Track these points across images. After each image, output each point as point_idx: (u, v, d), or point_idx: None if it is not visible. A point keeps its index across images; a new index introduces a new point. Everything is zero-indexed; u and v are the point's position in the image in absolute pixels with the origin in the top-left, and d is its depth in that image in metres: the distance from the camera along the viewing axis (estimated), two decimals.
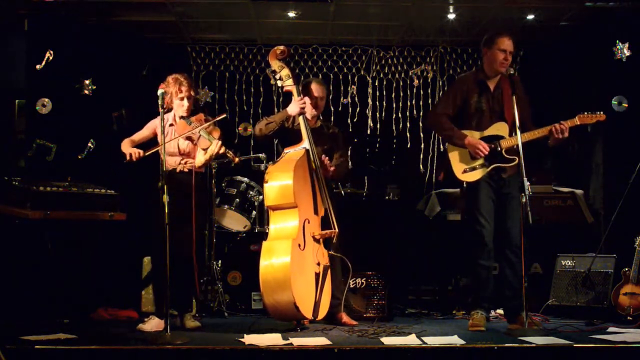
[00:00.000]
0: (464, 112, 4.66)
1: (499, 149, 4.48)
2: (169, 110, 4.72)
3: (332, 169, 4.88)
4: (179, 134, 4.65)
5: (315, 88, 4.98)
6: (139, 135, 4.76)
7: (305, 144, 4.78)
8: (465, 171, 4.58)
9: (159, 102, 4.43)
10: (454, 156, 4.64)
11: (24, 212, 4.80)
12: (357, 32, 6.63)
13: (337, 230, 4.74)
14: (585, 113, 4.40)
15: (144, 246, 5.37)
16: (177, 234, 4.34)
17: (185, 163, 4.67)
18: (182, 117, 4.67)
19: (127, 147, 4.64)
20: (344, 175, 5.24)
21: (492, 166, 4.50)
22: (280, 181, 4.58)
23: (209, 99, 6.88)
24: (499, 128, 4.49)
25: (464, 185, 4.65)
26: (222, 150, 4.59)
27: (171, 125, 4.72)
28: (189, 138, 4.64)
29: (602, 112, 4.41)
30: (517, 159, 4.37)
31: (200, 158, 4.70)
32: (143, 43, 6.56)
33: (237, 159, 4.75)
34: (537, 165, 6.02)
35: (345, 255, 4.80)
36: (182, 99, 4.65)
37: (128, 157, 4.55)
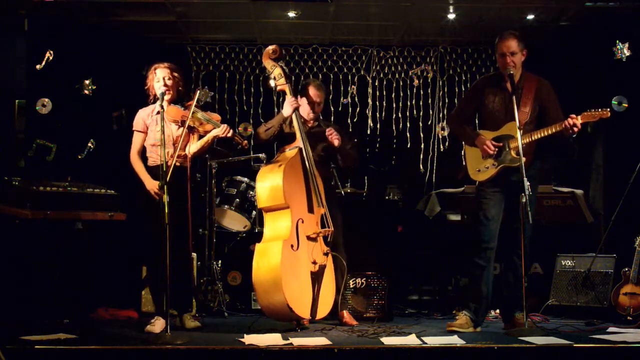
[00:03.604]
0: (481, 113, 4.70)
1: (507, 149, 4.46)
2: (155, 100, 4.62)
3: (337, 139, 4.85)
4: (173, 118, 4.58)
5: (313, 92, 4.98)
6: (139, 143, 4.67)
7: (299, 143, 4.78)
8: (478, 171, 4.58)
9: (159, 102, 4.44)
10: (468, 156, 4.68)
11: (24, 212, 4.80)
12: (357, 32, 6.63)
13: (332, 228, 4.73)
14: (588, 111, 4.33)
15: (144, 246, 5.38)
16: (172, 233, 4.29)
17: (178, 157, 4.48)
18: (173, 103, 4.59)
19: (150, 184, 4.52)
20: (352, 163, 5.17)
21: (500, 166, 4.48)
22: (270, 182, 4.58)
23: (209, 99, 6.88)
24: (511, 128, 4.43)
25: (477, 184, 4.65)
26: (231, 133, 4.57)
27: (158, 113, 4.50)
28: (184, 123, 4.51)
29: (607, 109, 4.33)
30: (525, 159, 4.36)
31: (193, 146, 4.64)
32: (143, 43, 6.56)
33: (245, 142, 4.72)
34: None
35: (344, 255, 4.79)
36: (157, 80, 4.60)
37: (157, 198, 4.45)
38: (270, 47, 4.86)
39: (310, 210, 4.73)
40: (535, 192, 4.60)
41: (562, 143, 4.52)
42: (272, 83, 4.90)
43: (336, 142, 4.87)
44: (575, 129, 4.27)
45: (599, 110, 4.32)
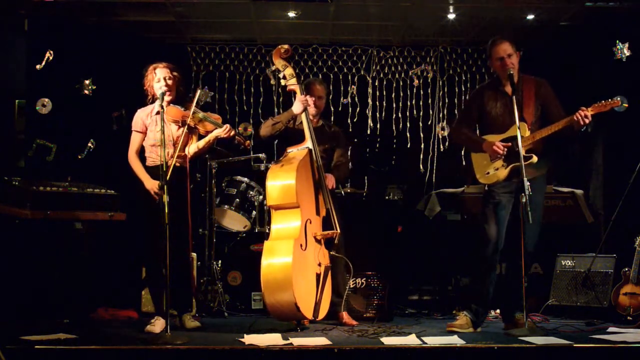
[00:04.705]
0: (484, 121, 4.68)
1: (516, 148, 4.45)
2: (154, 100, 4.64)
3: (332, 186, 4.95)
4: (173, 118, 4.58)
5: (315, 88, 5.02)
6: (137, 143, 4.68)
7: (308, 143, 4.79)
8: (486, 174, 4.57)
9: (159, 102, 4.43)
10: (475, 161, 4.67)
11: (24, 212, 4.80)
12: (357, 32, 6.63)
13: (339, 230, 4.74)
14: (598, 102, 4.32)
15: (144, 246, 5.38)
16: (171, 233, 4.28)
17: (178, 157, 4.47)
18: (172, 103, 4.58)
19: (150, 184, 4.52)
20: (344, 176, 5.28)
21: (510, 166, 4.47)
22: (282, 180, 4.58)
23: (209, 99, 6.88)
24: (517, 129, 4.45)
25: (485, 187, 4.63)
26: (233, 133, 4.57)
27: (157, 113, 4.53)
28: (184, 123, 4.51)
29: (617, 98, 4.34)
30: (535, 157, 4.36)
31: (193, 146, 4.64)
32: (143, 43, 6.56)
33: (248, 142, 4.73)
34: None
35: (345, 256, 4.80)
36: (158, 80, 4.59)
37: (157, 198, 4.45)
38: (283, 46, 4.84)
39: (317, 212, 4.75)
40: (543, 191, 4.62)
41: (566, 141, 4.51)
42: (281, 82, 4.87)
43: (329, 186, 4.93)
44: (587, 120, 4.27)
45: (609, 100, 4.32)
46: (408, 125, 6.97)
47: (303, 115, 4.82)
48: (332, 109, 6.88)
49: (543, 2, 5.76)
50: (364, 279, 5.22)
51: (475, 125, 4.80)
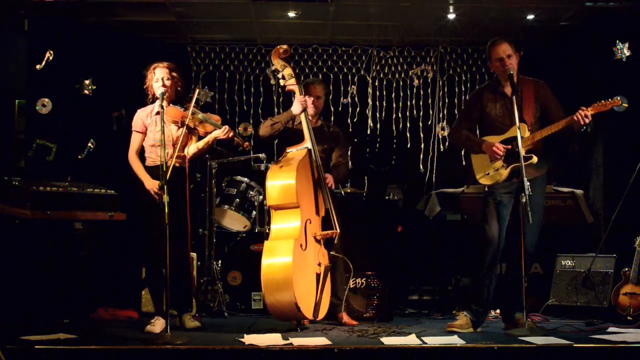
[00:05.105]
0: (484, 122, 4.68)
1: (516, 149, 4.44)
2: (154, 100, 4.65)
3: (331, 185, 4.95)
4: (173, 119, 4.58)
5: (313, 88, 5.02)
6: (137, 143, 4.68)
7: (308, 143, 4.79)
8: (486, 174, 4.57)
9: (159, 102, 4.43)
10: (475, 161, 4.67)
11: (24, 212, 4.80)
12: (357, 32, 6.63)
13: (338, 230, 4.74)
14: (598, 101, 4.33)
15: (144, 246, 5.38)
16: (171, 234, 4.27)
17: (177, 157, 4.47)
18: (172, 103, 4.58)
19: (150, 184, 4.53)
20: (344, 176, 5.28)
21: (510, 166, 4.47)
22: (282, 180, 4.58)
23: (209, 99, 6.88)
24: (516, 130, 4.44)
25: (485, 188, 4.63)
26: (232, 134, 4.58)
27: (157, 113, 4.55)
28: (183, 124, 4.49)
29: (617, 98, 4.35)
30: (535, 157, 4.37)
31: (192, 147, 4.65)
32: (143, 43, 6.56)
33: (247, 144, 4.74)
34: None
35: (345, 255, 4.80)
36: (157, 80, 4.60)
37: (157, 198, 4.45)
38: (282, 47, 4.85)
39: (317, 212, 4.75)
40: (543, 191, 4.63)
41: (566, 141, 4.50)
42: (280, 82, 4.88)
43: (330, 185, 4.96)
44: (587, 120, 4.27)
45: (609, 100, 4.32)
46: (408, 125, 6.97)
47: (302, 116, 4.82)
48: (332, 109, 6.89)
49: (543, 2, 5.76)
50: (364, 279, 5.22)
51: (475, 126, 4.80)
